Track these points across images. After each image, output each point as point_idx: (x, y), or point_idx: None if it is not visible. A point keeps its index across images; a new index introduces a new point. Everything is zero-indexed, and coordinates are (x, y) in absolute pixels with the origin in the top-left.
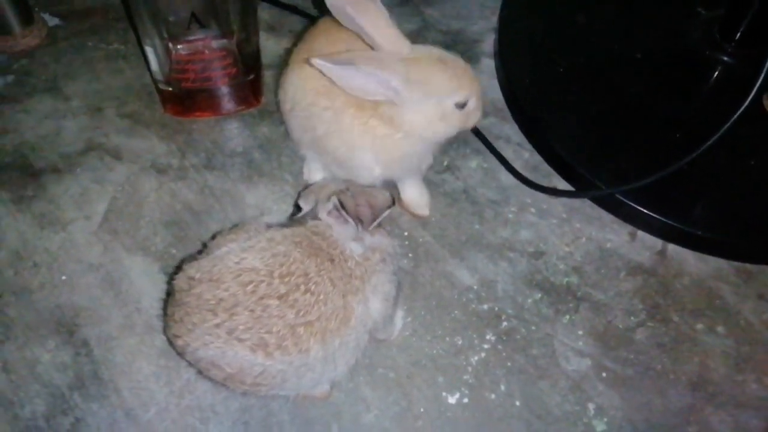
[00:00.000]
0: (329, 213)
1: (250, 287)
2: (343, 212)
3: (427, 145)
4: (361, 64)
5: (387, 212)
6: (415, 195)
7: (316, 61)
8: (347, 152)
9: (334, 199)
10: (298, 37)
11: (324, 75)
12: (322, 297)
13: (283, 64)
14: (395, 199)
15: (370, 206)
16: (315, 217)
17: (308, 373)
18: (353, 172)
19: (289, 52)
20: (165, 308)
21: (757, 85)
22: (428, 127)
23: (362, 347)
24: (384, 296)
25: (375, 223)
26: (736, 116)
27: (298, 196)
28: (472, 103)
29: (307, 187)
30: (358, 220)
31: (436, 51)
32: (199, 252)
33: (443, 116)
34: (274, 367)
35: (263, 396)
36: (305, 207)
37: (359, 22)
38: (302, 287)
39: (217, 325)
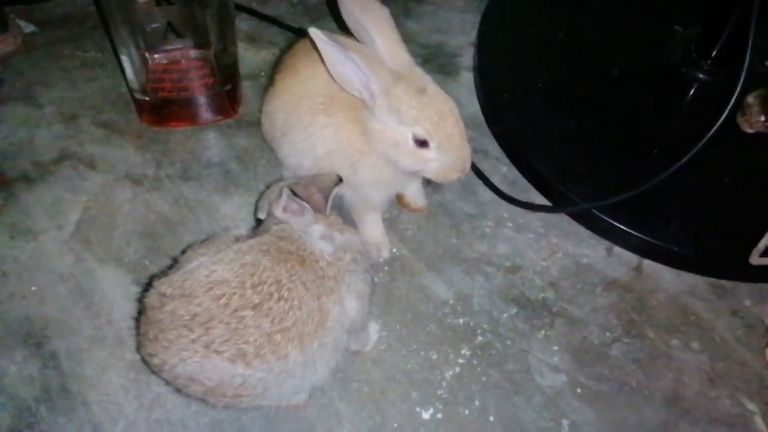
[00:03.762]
0: (285, 209)
1: (223, 300)
2: (298, 199)
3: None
4: (353, 53)
5: (336, 189)
6: (413, 192)
7: (313, 31)
8: (350, 169)
9: (285, 191)
10: (277, 65)
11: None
12: (296, 302)
13: (264, 93)
14: (341, 177)
15: (320, 190)
16: (276, 222)
17: (289, 379)
18: (360, 191)
19: (270, 81)
20: (137, 327)
21: (731, 103)
22: (383, 147)
23: (341, 349)
24: (359, 294)
25: (329, 203)
26: (709, 134)
27: (255, 210)
28: (434, 153)
29: (260, 198)
30: (315, 206)
31: (433, 84)
32: (170, 267)
33: (397, 144)
34: (254, 376)
35: (236, 410)
36: (263, 215)
37: (364, 24)
38: (275, 295)
39: (194, 341)
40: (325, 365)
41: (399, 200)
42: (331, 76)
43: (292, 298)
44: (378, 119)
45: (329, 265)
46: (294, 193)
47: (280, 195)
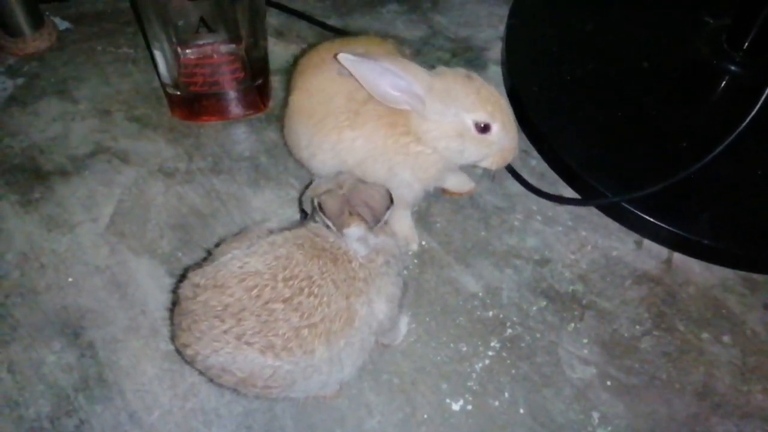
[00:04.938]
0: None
1: (254, 291)
2: (322, 215)
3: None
4: (386, 63)
5: (389, 212)
6: (454, 180)
7: (342, 56)
8: (387, 173)
9: (315, 202)
10: (290, 85)
11: (349, 74)
12: (325, 299)
13: (282, 113)
14: (392, 196)
15: (369, 207)
16: (315, 220)
17: (315, 374)
18: (395, 192)
19: (285, 100)
20: (172, 318)
21: (765, 94)
22: (445, 142)
23: (369, 348)
24: (388, 298)
25: (381, 223)
26: (742, 126)
27: (300, 202)
28: (498, 134)
29: (305, 190)
30: (362, 219)
31: (464, 71)
32: (204, 260)
33: (460, 134)
34: (283, 368)
35: (268, 400)
36: (309, 210)
37: (379, 61)
38: (306, 290)
39: (226, 331)
40: (351, 364)
41: (444, 193)
42: (372, 94)
43: (321, 294)
44: (430, 119)
45: (361, 267)
46: (320, 207)
47: (312, 206)
